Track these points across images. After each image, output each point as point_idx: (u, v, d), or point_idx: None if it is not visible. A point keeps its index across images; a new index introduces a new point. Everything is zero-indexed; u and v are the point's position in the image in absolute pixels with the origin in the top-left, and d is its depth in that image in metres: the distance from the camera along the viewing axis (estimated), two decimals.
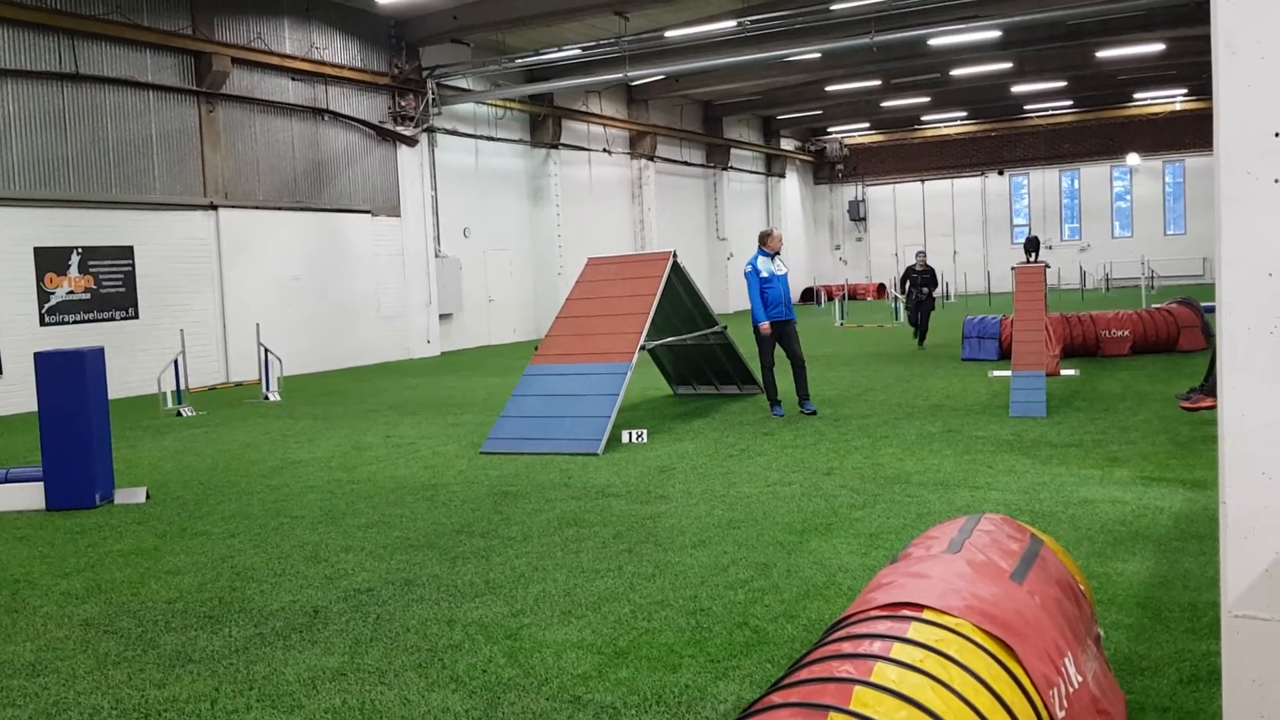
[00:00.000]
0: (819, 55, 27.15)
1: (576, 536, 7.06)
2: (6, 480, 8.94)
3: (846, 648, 2.92)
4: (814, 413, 12.01)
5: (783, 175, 44.89)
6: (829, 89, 34.89)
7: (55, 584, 6.48)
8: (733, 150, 40.14)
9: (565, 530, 7.25)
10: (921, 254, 21.46)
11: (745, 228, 41.04)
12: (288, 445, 11.80)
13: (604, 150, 32.20)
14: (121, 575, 6.61)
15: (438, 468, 9.94)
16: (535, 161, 29.21)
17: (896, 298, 28.71)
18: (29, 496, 8.81)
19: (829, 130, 46.87)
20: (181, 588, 6.26)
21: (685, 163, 37.15)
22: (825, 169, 48.63)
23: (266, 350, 16.99)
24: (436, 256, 25.34)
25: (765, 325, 11.88)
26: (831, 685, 2.66)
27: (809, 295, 44.00)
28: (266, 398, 16.65)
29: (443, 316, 25.53)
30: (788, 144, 45.77)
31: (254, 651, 5.10)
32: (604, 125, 31.96)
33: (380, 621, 5.47)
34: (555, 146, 29.45)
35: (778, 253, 12.21)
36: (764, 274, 11.96)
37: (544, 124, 29.02)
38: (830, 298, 40.21)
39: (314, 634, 5.32)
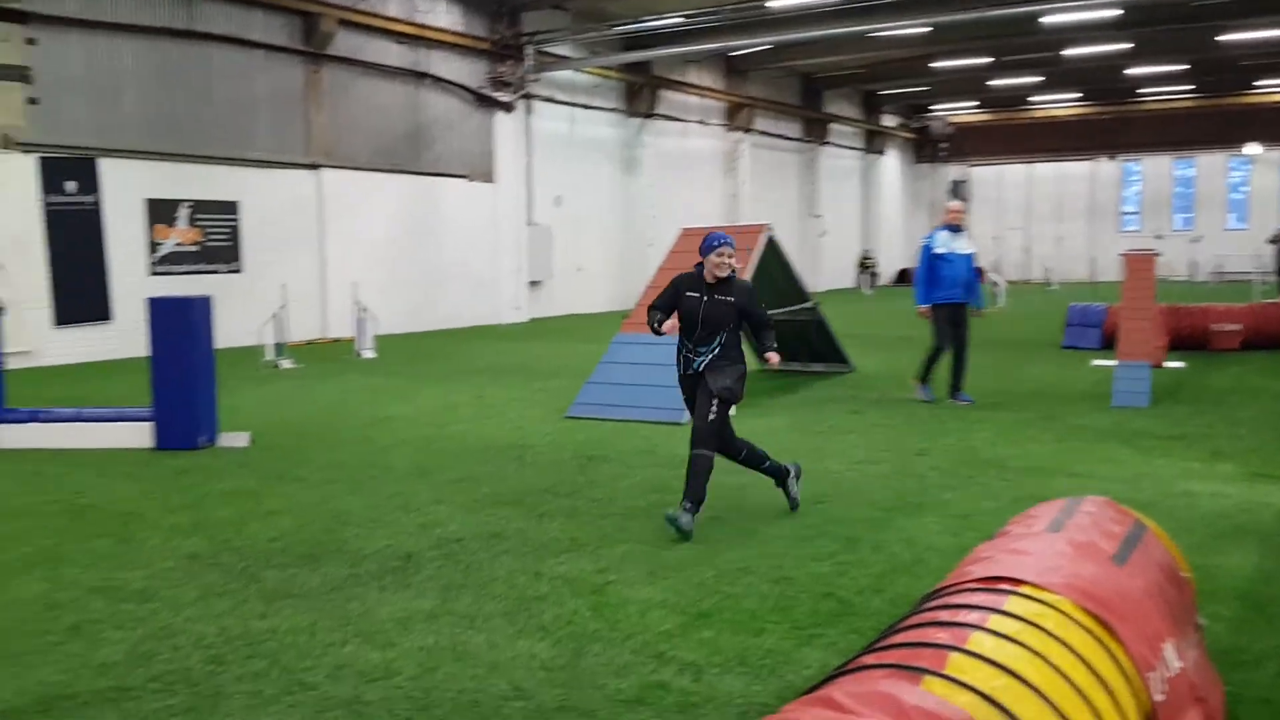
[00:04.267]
0: (927, 29, 26.62)
1: (660, 502, 7.10)
2: (118, 419, 9.32)
3: (943, 616, 2.91)
4: (970, 402, 11.08)
5: (882, 152, 44.19)
6: (935, 65, 34.17)
7: (162, 518, 6.75)
8: (831, 125, 39.63)
9: (649, 495, 7.30)
10: None
11: (841, 205, 40.59)
12: (381, 401, 12.06)
13: (700, 121, 32.04)
14: (224, 513, 6.86)
15: (524, 429, 10.08)
16: (630, 131, 29.21)
17: (995, 282, 28.16)
18: (138, 436, 9.16)
19: (933, 107, 45.92)
20: (281, 528, 6.47)
21: (782, 136, 36.78)
22: (928, 147, 47.64)
23: (363, 309, 17.35)
24: (528, 224, 25.55)
25: (923, 309, 11.17)
26: (927, 650, 2.65)
27: (905, 277, 43.38)
28: (360, 355, 17.01)
29: (532, 283, 25.77)
30: (889, 120, 44.97)
31: (349, 590, 5.26)
32: (701, 96, 31.79)
33: (469, 570, 5.59)
34: (650, 116, 29.41)
35: (959, 227, 11.26)
36: (940, 250, 11.09)
37: (640, 93, 28.99)
38: None
39: (406, 578, 5.46)
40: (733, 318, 6.56)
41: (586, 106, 27.60)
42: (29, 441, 9.17)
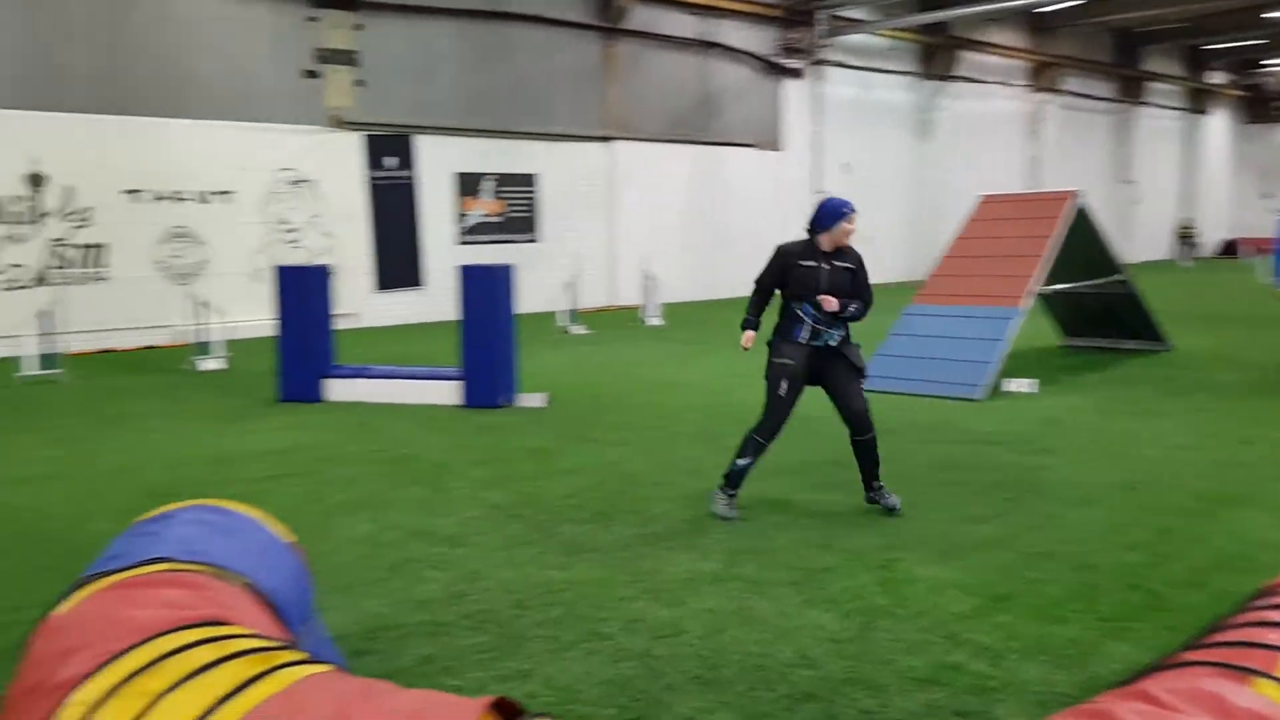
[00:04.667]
0: None
1: (954, 480, 6.89)
2: (430, 378, 10.06)
3: (1275, 616, 2.65)
4: None
5: (1205, 112, 40.38)
6: (1270, 15, 30.77)
7: (469, 471, 7.23)
8: (1148, 84, 36.60)
9: (942, 473, 7.09)
10: None
11: (1157, 169, 37.48)
12: (668, 367, 12.35)
13: (1000, 82, 30.46)
14: (524, 469, 7.26)
15: (809, 399, 9.98)
16: (924, 94, 28.19)
17: None
18: (448, 393, 9.85)
19: (1266, 62, 41.42)
20: (575, 485, 6.78)
21: (1091, 96, 34.34)
22: (1260, 107, 43.02)
23: (650, 276, 17.80)
24: (815, 192, 25.26)
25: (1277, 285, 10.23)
26: (1258, 651, 2.43)
27: (1230, 249, 39.63)
28: (647, 322, 17.48)
29: None
30: (1215, 78, 40.99)
31: (639, 549, 5.44)
32: (1003, 56, 30.18)
33: (755, 537, 5.64)
34: (947, 78, 28.26)
35: None
36: None
37: (937, 55, 27.89)
38: (1259, 251, 35.98)
39: (693, 540, 5.59)
40: (850, 285, 6.27)
41: (879, 70, 26.87)
42: (354, 395, 10.07)
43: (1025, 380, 10.37)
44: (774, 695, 3.79)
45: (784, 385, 6.18)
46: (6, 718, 2.44)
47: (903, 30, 26.56)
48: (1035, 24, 30.91)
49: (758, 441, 6.20)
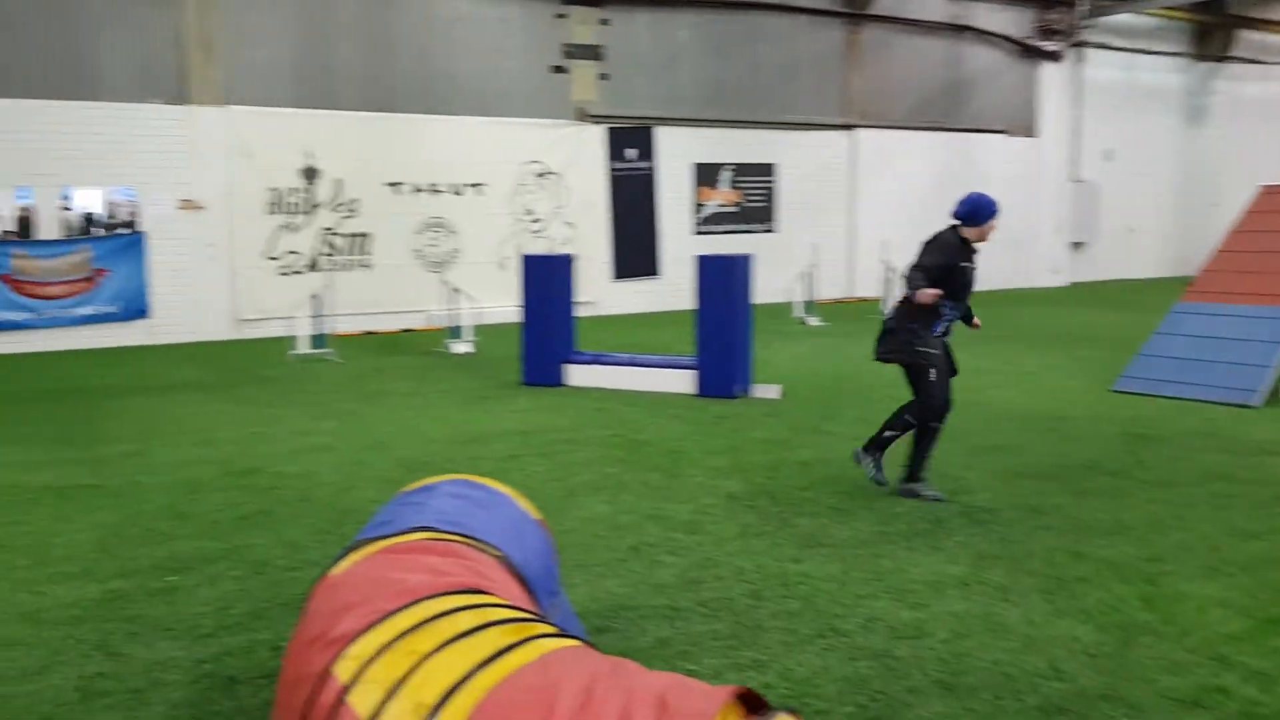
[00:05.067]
0: None
1: (1225, 491, 6.37)
2: (666, 366, 10.19)
3: None
4: None
5: None
6: None
7: (704, 459, 7.28)
8: None
9: (1211, 483, 6.56)
10: None
11: None
12: None
13: None
14: (759, 459, 7.24)
15: (1063, 400, 9.51)
16: (1196, 77, 26.14)
17: None
18: (683, 382, 9.95)
19: None
20: (811, 478, 6.70)
21: None
22: None
23: (891, 268, 17.36)
24: (1073, 181, 23.94)
25: None
26: None
27: None
28: (885, 315, 17.04)
29: (1074, 245, 24.15)
30: None
31: (878, 546, 5.31)
32: None
33: (1003, 542, 5.40)
34: (1224, 59, 26.07)
35: None
36: None
37: (1212, 34, 25.77)
38: None
39: (936, 541, 5.41)
40: None
41: (1146, 52, 25.11)
42: (592, 381, 10.33)
43: None
44: (1022, 706, 3.62)
45: (934, 373, 6.21)
46: (288, 664, 2.65)
47: (1173, 9, 24.69)
48: None
49: (905, 421, 6.33)
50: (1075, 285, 23.62)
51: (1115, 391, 9.83)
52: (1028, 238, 23.27)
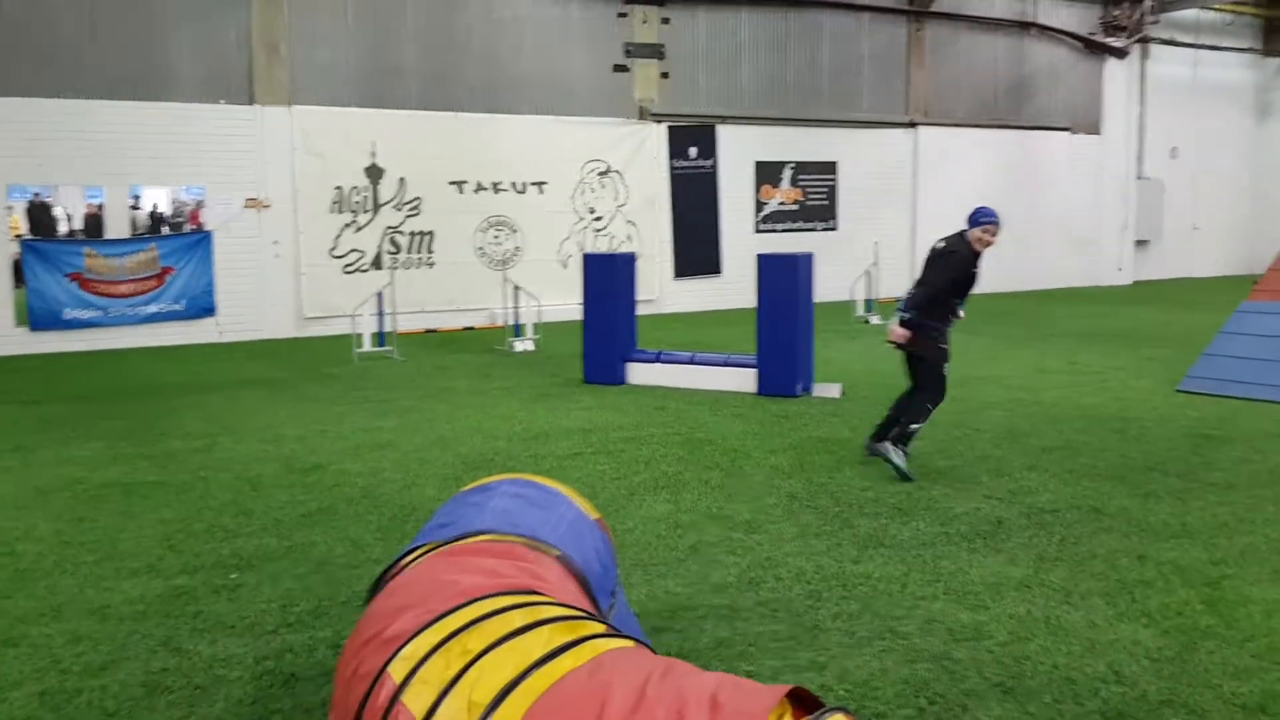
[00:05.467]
0: None
1: None
2: (727, 364, 10.22)
3: None
4: None
5: None
6: None
7: (765, 458, 7.30)
8: None
9: (1278, 486, 6.45)
10: None
11: None
12: (970, 361, 11.87)
13: None
14: (819, 459, 7.25)
15: (1127, 400, 9.38)
16: (1266, 73, 25.54)
17: None
18: (743, 380, 9.97)
19: None
20: (872, 478, 6.69)
21: None
22: None
23: None
24: (1138, 178, 23.52)
25: None
26: None
27: None
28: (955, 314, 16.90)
29: (1138, 243, 23.72)
30: None
31: (939, 548, 5.30)
32: None
33: (1065, 544, 5.36)
34: None
35: None
36: None
37: None
38: None
39: (997, 543, 5.38)
40: None
41: (1214, 48, 24.59)
42: (653, 379, 10.40)
43: None
44: (1083, 711, 3.61)
45: (948, 367, 6.99)
46: (344, 663, 2.74)
47: (1242, 3, 24.15)
48: None
49: (929, 409, 6.93)
50: (1139, 284, 23.21)
51: (1181, 391, 9.68)
52: (1092, 236, 22.92)
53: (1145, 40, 23.04)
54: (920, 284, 6.91)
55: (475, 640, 2.43)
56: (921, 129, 20.45)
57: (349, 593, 4.76)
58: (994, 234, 6.74)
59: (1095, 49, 22.50)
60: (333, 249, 15.18)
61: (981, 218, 6.80)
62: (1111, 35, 22.54)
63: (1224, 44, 24.80)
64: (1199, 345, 10.81)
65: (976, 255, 6.85)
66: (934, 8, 20.17)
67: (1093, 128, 22.86)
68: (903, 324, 6.85)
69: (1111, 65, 22.81)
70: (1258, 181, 25.68)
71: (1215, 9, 24.09)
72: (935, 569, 4.99)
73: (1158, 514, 5.87)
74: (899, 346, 6.96)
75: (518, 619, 2.49)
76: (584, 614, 2.67)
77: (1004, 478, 6.69)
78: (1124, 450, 7.43)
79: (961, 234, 6.87)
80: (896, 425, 6.86)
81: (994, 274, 20.71)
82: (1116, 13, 22.45)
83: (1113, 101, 23.00)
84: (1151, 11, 22.45)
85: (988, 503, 6.13)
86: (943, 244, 7.00)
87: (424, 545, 3.17)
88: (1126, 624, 4.32)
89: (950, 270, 6.80)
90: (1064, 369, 11.22)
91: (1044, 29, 21.75)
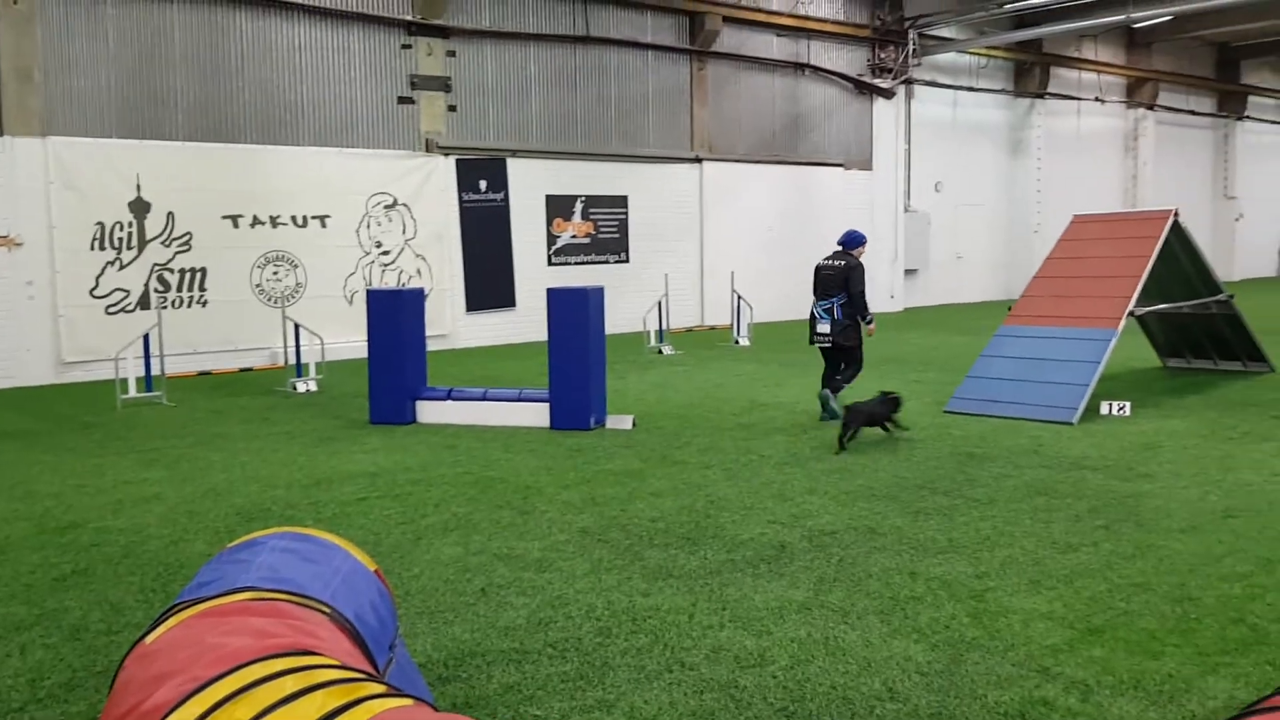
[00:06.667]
0: None
1: (1046, 506, 6.72)
2: (519, 400, 10.15)
3: None
4: None
5: None
6: None
7: (558, 494, 7.28)
8: (1250, 98, 35.42)
9: (1034, 499, 6.92)
10: None
11: (1260, 185, 36.24)
12: (756, 388, 12.29)
13: (1096, 99, 29.77)
14: (612, 492, 7.28)
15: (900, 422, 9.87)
16: (1017, 112, 27.70)
17: None
18: (537, 415, 9.93)
19: None
20: (662, 509, 6.77)
21: (1191, 112, 33.34)
22: None
23: (739, 297, 17.76)
24: (905, 211, 24.98)
25: None
26: None
27: None
28: (737, 342, 17.43)
29: (907, 272, 25.17)
30: None
31: (726, 575, 5.41)
32: (1097, 72, 29.50)
33: (843, 564, 5.57)
34: (1041, 96, 27.71)
35: None
36: None
37: (1030, 72, 27.38)
38: None
39: (780, 567, 5.53)
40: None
41: (971, 89, 26.50)
42: (445, 417, 10.21)
43: (1119, 403, 10.07)
44: None
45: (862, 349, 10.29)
46: None
47: (994, 48, 26.16)
48: (1131, 39, 30.16)
49: (851, 376, 10.18)
50: (909, 310, 24.60)
51: (948, 412, 10.27)
52: (867, 265, 24.12)
53: (910, 81, 24.58)
54: (845, 294, 9.92)
55: (244, 710, 2.27)
56: (706, 164, 21.07)
57: (106, 662, 4.42)
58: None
59: (865, 89, 23.82)
60: (94, 289, 14.21)
61: (861, 238, 10.30)
62: (879, 76, 23.93)
63: (980, 85, 26.74)
64: (963, 368, 11.51)
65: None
66: (714, 48, 20.87)
67: (865, 163, 24.14)
68: (840, 328, 9.91)
69: (880, 104, 24.19)
70: (1012, 213, 27.75)
71: (971, 53, 25.95)
72: (722, 597, 5.07)
73: (927, 531, 6.18)
74: (834, 342, 9.98)
75: (289, 684, 2.35)
76: (360, 674, 2.55)
77: (787, 502, 6.91)
78: (896, 470, 7.81)
79: (846, 252, 10.09)
80: (837, 385, 9.97)
81: (778, 303, 21.65)
82: (883, 55, 23.86)
83: (882, 138, 24.37)
84: (914, 55, 23.97)
85: (771, 527, 6.30)
86: (840, 262, 10.05)
87: (182, 604, 2.96)
88: (899, 640, 4.51)
89: (862, 279, 9.98)
90: (844, 393, 11.70)
91: (817, 70, 22.86)
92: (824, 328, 9.96)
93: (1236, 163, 35.03)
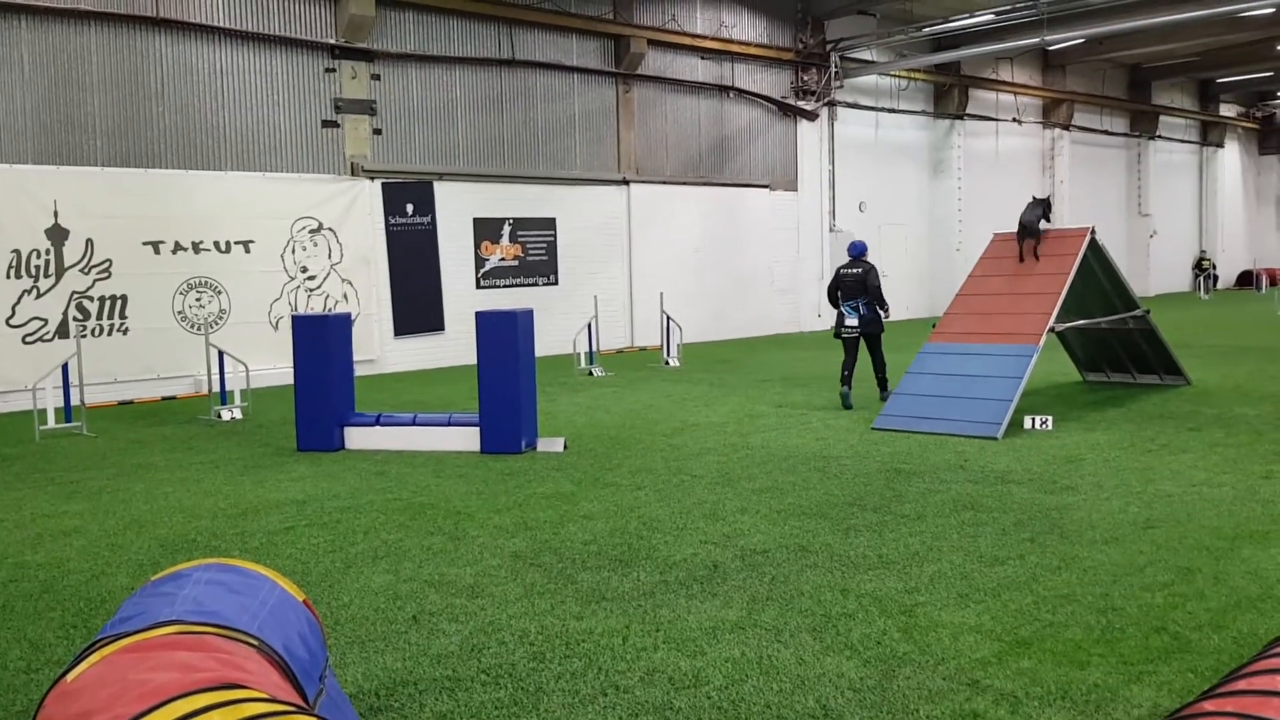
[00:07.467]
0: (1272, 9, 24.08)
1: (974, 520, 6.84)
2: (449, 424, 10.07)
3: None
4: None
5: (1220, 145, 40.36)
6: None
7: (489, 518, 7.23)
8: (1161, 118, 36.66)
9: (961, 513, 7.04)
10: None
11: (1173, 203, 37.48)
12: (686, 408, 12.34)
13: (1014, 120, 30.58)
14: (544, 515, 7.25)
15: (829, 440, 9.99)
16: (938, 133, 28.33)
17: None
18: (467, 439, 9.86)
19: (1278, 94, 41.44)
20: (595, 531, 6.76)
21: (1105, 132, 34.42)
22: (1273, 138, 43.04)
23: (669, 318, 17.85)
24: (831, 230, 25.34)
25: None
26: (1276, 700, 2.40)
27: (1246, 279, 39.47)
28: (667, 363, 17.50)
29: None
30: (1228, 110, 41.01)
31: (660, 597, 5.41)
32: (1014, 93, 30.33)
33: (775, 583, 5.60)
34: (960, 117, 28.40)
35: None
36: None
37: (949, 94, 28.05)
38: (1273, 282, 35.91)
39: (714, 587, 5.55)
40: None
41: (892, 110, 27.04)
42: (374, 443, 10.10)
43: (1042, 417, 10.31)
44: None
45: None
46: None
47: (914, 70, 26.76)
48: (1046, 61, 31.08)
49: (883, 364, 12.44)
50: None
51: (875, 429, 10.42)
52: (794, 285, 24.45)
53: (833, 104, 25.00)
54: (867, 293, 11.99)
55: None
56: (634, 185, 21.18)
57: (25, 701, 4.28)
58: None
59: (789, 111, 24.16)
60: (10, 318, 13.81)
61: (865, 246, 12.43)
62: (802, 99, 24.31)
63: (901, 107, 27.30)
64: (891, 385, 11.68)
65: None
66: (640, 70, 21.02)
67: (790, 184, 24.47)
68: (869, 320, 11.96)
69: (804, 126, 24.56)
70: (934, 231, 28.33)
71: (892, 75, 26.49)
72: (655, 618, 5.07)
73: (858, 547, 6.25)
74: (862, 332, 11.99)
75: (217, 719, 2.30)
76: (290, 706, 2.50)
77: (719, 521, 6.94)
78: (826, 488, 7.89)
79: (861, 259, 12.13)
80: (884, 382, 12.06)
81: (709, 323, 21.81)
82: (806, 78, 24.25)
83: (807, 159, 24.74)
84: (836, 77, 24.40)
85: (704, 547, 6.32)
86: (859, 269, 12.09)
87: (104, 640, 2.88)
88: (832, 657, 4.55)
89: (878, 278, 12.14)
90: (772, 412, 11.83)
91: (741, 92, 23.14)
92: (852, 321, 12.04)
93: (1150, 181, 36.19)
